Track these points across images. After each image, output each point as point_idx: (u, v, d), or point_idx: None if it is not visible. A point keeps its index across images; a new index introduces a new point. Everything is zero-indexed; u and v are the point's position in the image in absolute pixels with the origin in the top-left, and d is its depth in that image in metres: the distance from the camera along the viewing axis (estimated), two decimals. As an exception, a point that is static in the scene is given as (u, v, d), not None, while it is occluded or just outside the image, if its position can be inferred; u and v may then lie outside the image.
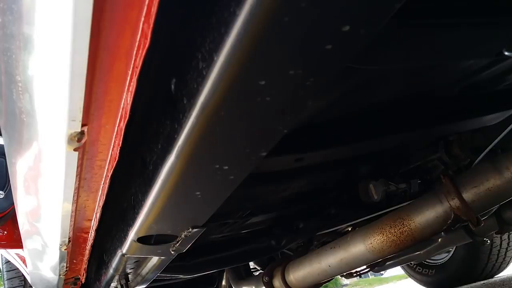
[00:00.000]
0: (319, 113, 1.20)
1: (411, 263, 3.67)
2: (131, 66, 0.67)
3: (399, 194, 1.77)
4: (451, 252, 3.35)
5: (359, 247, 1.62)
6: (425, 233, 1.47)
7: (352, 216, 1.98)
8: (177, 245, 1.24)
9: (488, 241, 2.66)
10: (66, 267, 1.61)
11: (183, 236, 1.17)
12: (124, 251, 1.27)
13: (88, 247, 1.49)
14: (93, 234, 1.39)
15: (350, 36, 0.54)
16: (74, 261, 1.62)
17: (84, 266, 1.70)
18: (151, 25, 0.59)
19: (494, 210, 1.91)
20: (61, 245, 1.34)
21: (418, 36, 0.79)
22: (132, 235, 1.16)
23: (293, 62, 0.58)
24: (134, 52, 0.65)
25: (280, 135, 0.75)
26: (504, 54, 0.91)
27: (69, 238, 1.32)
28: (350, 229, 2.26)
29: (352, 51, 0.58)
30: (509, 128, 1.51)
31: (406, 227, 1.48)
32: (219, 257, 2.10)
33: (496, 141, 1.54)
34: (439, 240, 2.26)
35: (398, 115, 1.41)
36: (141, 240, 1.20)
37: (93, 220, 1.35)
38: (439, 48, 0.84)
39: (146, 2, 0.57)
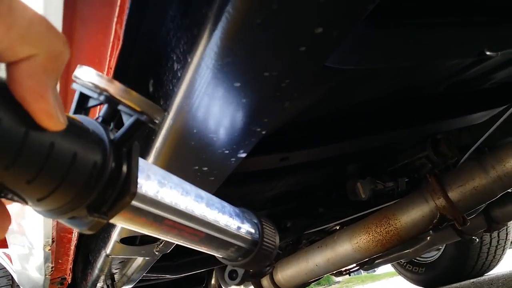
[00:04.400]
0: (303, 112, 1.19)
1: (401, 261, 3.67)
2: (106, 67, 0.67)
3: (386, 192, 1.77)
4: (441, 250, 3.35)
5: (346, 247, 1.62)
6: (411, 232, 1.47)
7: (340, 214, 1.98)
8: (161, 245, 1.23)
9: (477, 239, 2.66)
10: (52, 267, 1.60)
11: (166, 237, 1.17)
12: (108, 251, 1.26)
13: (73, 247, 1.48)
14: (77, 235, 1.38)
15: (323, 38, 0.54)
16: (60, 261, 1.61)
17: (70, 266, 1.69)
18: (123, 26, 0.58)
19: (482, 208, 1.91)
20: (44, 245, 1.33)
21: (396, 36, 0.78)
22: (115, 236, 1.16)
23: (268, 64, 0.57)
24: (108, 53, 0.64)
25: (259, 136, 0.74)
26: (486, 54, 0.91)
27: (52, 238, 1.31)
28: (338, 227, 2.25)
29: (326, 52, 0.58)
30: (495, 126, 1.51)
31: (392, 227, 1.48)
32: (207, 256, 2.09)
33: (482, 139, 1.53)
34: (428, 238, 2.26)
35: (384, 114, 1.40)
36: (125, 241, 1.19)
37: (76, 221, 1.34)
38: (419, 48, 0.84)
39: (118, 3, 0.56)
